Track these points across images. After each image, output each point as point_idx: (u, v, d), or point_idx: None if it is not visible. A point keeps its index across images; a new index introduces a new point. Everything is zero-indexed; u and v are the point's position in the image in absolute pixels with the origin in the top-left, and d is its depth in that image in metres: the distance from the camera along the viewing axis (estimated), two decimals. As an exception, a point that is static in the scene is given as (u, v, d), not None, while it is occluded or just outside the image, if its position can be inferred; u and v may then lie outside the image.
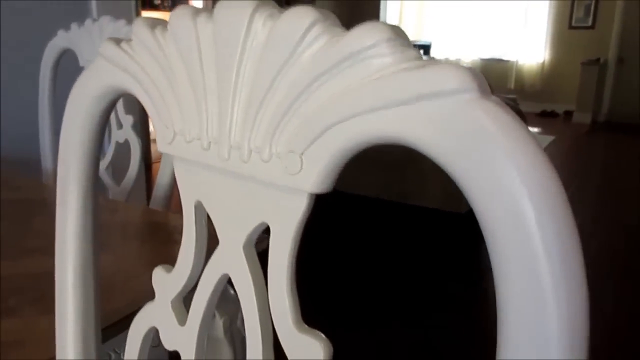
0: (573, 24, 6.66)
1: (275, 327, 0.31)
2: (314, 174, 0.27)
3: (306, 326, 0.30)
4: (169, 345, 0.37)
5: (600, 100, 6.53)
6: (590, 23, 6.56)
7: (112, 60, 0.34)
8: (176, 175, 0.34)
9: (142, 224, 0.90)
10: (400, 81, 0.23)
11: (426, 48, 6.71)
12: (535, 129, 5.61)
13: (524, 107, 5.42)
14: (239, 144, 0.29)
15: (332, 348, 0.29)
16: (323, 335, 0.30)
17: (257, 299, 0.32)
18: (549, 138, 5.11)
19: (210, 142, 0.30)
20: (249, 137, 0.29)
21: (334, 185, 0.27)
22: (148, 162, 3.26)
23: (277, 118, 0.27)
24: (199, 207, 0.34)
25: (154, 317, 0.38)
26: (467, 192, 0.22)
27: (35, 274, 0.67)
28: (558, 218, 0.21)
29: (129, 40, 0.34)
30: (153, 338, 0.39)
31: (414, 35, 7.13)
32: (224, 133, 0.30)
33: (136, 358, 0.39)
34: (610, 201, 3.41)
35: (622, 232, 2.84)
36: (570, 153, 4.85)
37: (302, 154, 0.27)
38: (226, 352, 0.69)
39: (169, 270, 0.37)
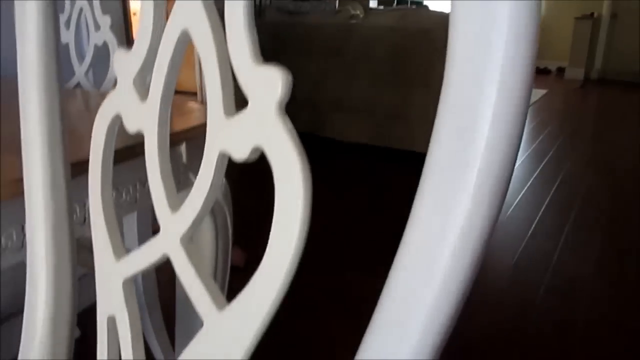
0: (567, -22, 6.57)
1: (235, 70, 0.30)
2: None
3: (263, 60, 0.29)
4: (131, 126, 0.36)
5: (593, 56, 6.48)
6: (584, -23, 6.47)
7: None
8: None
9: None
10: None
11: (418, 3, 6.61)
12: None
13: (517, 61, 5.36)
14: None
15: (291, 77, 0.28)
16: (282, 66, 0.29)
17: (215, 46, 0.31)
18: (541, 92, 5.09)
19: None
20: None
21: None
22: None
23: None
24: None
25: (117, 103, 0.37)
26: None
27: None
28: None
29: None
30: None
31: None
32: None
33: (101, 149, 0.38)
34: (601, 148, 3.42)
35: (611, 176, 2.86)
36: (562, 106, 4.84)
37: None
38: (206, 225, 0.69)
39: (129, 49, 0.35)
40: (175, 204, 0.35)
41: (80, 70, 1.02)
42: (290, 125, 0.29)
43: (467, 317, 1.49)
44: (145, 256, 0.37)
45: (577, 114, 4.48)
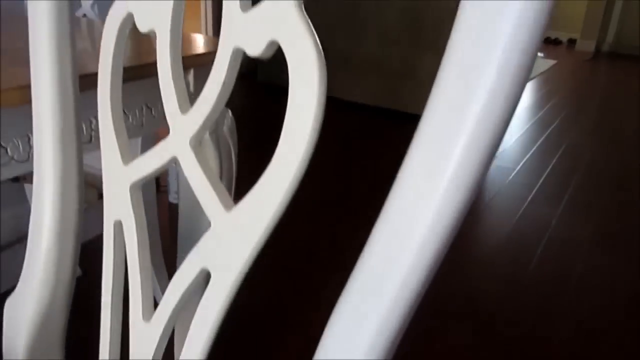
0: (585, -54, 6.37)
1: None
2: None
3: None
4: (144, 24, 0.35)
5: (605, 29, 6.36)
6: (603, -54, 6.28)
7: None
8: None
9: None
10: None
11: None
12: (538, 53, 5.49)
13: (528, 30, 5.26)
14: None
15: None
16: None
17: None
18: (551, 62, 5.02)
19: None
20: None
21: None
22: None
23: None
24: None
25: (129, 2, 0.36)
26: None
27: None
28: None
29: None
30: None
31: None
32: None
33: (112, 49, 0.37)
34: (607, 119, 3.40)
35: (615, 146, 2.85)
36: (570, 77, 4.79)
37: None
38: (210, 153, 0.69)
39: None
40: (185, 105, 0.35)
41: (86, 3, 1.00)
42: (308, 20, 0.28)
43: (461, 276, 1.51)
44: (153, 160, 0.37)
45: (585, 86, 4.43)
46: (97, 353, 0.43)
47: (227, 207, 0.33)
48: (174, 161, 0.36)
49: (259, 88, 3.24)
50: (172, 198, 1.75)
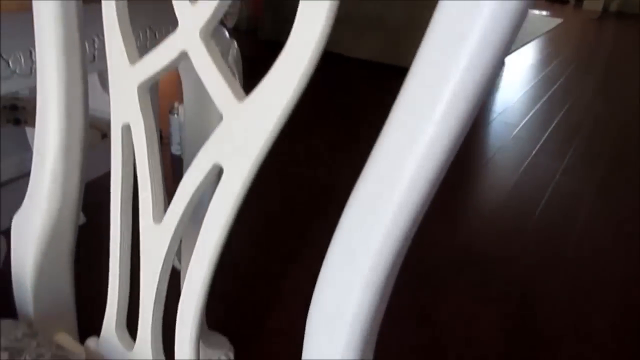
0: None
1: None
2: None
3: None
4: None
5: (614, -12, 6.22)
6: None
7: None
8: None
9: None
10: None
11: None
12: (543, 12, 5.40)
13: (535, -12, 5.16)
14: None
15: None
16: None
17: None
18: (557, 20, 4.93)
19: None
20: None
21: None
22: None
23: None
24: None
25: None
26: None
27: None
28: None
29: None
30: None
31: None
32: None
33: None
34: (612, 78, 3.36)
35: (620, 104, 2.82)
36: (576, 36, 4.70)
37: None
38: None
39: None
40: (194, -6, 0.33)
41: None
42: None
43: (463, 228, 1.51)
44: (161, 56, 0.36)
45: (591, 45, 4.36)
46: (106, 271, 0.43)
47: (239, 98, 0.32)
48: (184, 57, 0.35)
49: (260, 44, 3.19)
50: (174, 150, 1.74)
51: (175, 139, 1.73)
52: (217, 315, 0.86)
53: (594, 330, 1.14)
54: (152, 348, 0.40)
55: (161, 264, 0.37)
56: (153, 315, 0.39)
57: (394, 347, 1.05)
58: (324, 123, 2.16)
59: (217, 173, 0.34)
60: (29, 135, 1.17)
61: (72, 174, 0.45)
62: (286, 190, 1.62)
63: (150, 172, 0.37)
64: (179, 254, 0.92)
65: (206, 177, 0.34)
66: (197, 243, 0.35)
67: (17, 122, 1.07)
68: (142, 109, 0.37)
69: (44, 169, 0.45)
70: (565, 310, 1.20)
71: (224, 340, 1.03)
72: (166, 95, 1.72)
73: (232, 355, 1.01)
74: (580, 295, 1.25)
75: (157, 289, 0.38)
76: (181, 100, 1.68)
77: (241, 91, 0.32)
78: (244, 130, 0.32)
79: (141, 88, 0.37)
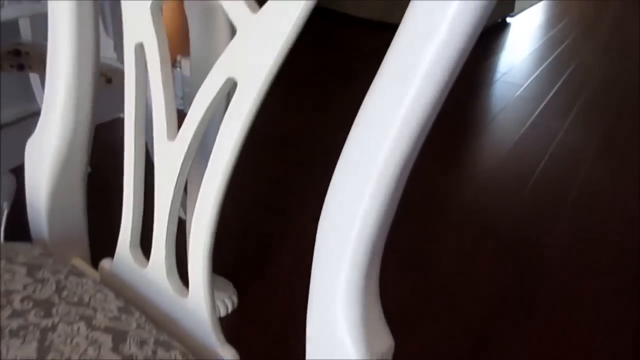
0: None
1: None
2: None
3: None
4: None
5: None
6: None
7: None
8: None
9: None
10: None
11: None
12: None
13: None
14: None
15: None
16: None
17: None
18: (565, -18, 4.82)
19: None
20: None
21: None
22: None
23: None
24: None
25: None
26: None
27: None
28: None
29: None
30: None
31: None
32: None
33: None
34: (619, 39, 3.31)
35: (626, 65, 2.80)
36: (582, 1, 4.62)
37: None
38: (222, 24, 0.67)
39: None
40: None
41: None
42: None
43: (465, 187, 1.52)
44: (175, -28, 0.36)
45: (599, 6, 4.29)
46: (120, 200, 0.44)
47: (253, 10, 0.32)
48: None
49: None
50: (177, 104, 1.73)
51: (177, 92, 1.73)
52: (220, 262, 0.88)
53: (588, 288, 1.17)
54: (166, 265, 0.42)
55: (175, 181, 0.38)
56: (167, 231, 0.40)
57: (390, 291, 1.07)
58: (323, 76, 2.15)
59: (230, 87, 0.35)
60: (32, 82, 1.17)
61: (84, 95, 0.45)
62: (289, 135, 1.62)
63: (164, 90, 0.38)
64: (184, 204, 0.93)
65: (220, 92, 0.35)
66: (212, 156, 0.36)
67: (20, 67, 1.07)
68: (154, 26, 0.38)
69: (57, 92, 0.45)
70: (563, 266, 1.22)
71: (228, 284, 1.05)
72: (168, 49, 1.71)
73: (235, 299, 1.04)
74: (578, 251, 1.27)
75: (171, 206, 0.39)
76: (184, 54, 1.67)
77: (254, 3, 0.33)
78: (258, 42, 0.32)
79: (153, 6, 0.37)
